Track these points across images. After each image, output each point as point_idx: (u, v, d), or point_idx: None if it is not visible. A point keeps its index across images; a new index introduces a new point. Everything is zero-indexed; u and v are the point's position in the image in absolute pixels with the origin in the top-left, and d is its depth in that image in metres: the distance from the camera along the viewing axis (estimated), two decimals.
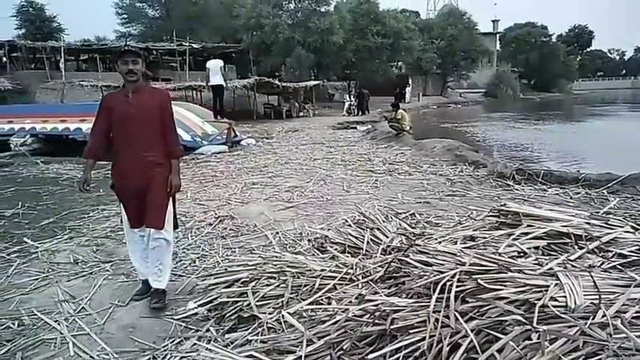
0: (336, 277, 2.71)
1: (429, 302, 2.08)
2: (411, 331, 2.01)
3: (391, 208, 4.70)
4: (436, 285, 2.16)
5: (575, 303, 1.91)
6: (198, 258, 3.84)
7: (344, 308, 2.29)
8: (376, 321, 2.11)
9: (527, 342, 1.78)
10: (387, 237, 3.24)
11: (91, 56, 28.75)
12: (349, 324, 2.17)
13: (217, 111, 12.82)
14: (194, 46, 26.05)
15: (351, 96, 25.43)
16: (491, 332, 1.88)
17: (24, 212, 5.37)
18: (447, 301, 2.03)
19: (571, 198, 5.29)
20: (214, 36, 31.60)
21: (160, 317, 2.89)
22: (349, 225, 3.81)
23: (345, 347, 2.09)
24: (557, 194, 5.49)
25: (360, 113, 23.73)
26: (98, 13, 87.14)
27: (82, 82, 18.77)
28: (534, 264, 2.28)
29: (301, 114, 23.19)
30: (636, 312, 1.88)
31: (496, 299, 1.99)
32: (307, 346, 2.13)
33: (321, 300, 2.53)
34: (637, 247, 2.45)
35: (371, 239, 3.31)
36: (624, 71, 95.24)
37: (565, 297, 1.95)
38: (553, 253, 2.50)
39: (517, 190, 5.82)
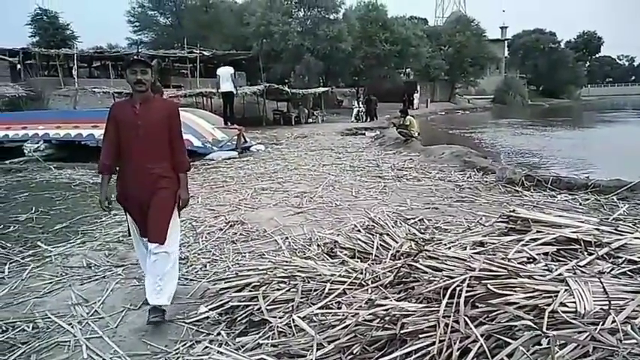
0: (345, 282, 2.72)
1: (438, 307, 2.09)
2: (420, 336, 2.02)
3: (400, 214, 4.70)
4: (446, 290, 2.17)
5: (584, 309, 1.91)
6: (209, 262, 3.88)
7: (354, 313, 2.30)
8: (386, 325, 2.13)
9: (537, 347, 1.79)
10: (397, 242, 3.25)
11: (104, 63, 29.04)
12: (359, 328, 2.18)
13: (227, 117, 12.93)
14: (205, 53, 26.23)
15: (360, 102, 25.50)
16: (501, 337, 1.89)
17: (37, 217, 5.45)
18: (457, 306, 2.04)
19: (580, 204, 5.26)
20: (225, 43, 31.85)
21: (171, 321, 2.92)
22: (358, 230, 3.84)
23: (355, 351, 2.10)
24: (566, 200, 5.46)
25: (369, 119, 23.83)
26: (110, 21, 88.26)
27: (94, 89, 18.92)
28: (544, 270, 2.29)
29: (310, 120, 23.32)
30: None
31: (506, 304, 2.00)
32: (317, 350, 2.15)
33: (331, 304, 2.54)
34: None
35: (380, 244, 3.32)
36: (633, 77, 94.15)
37: (575, 303, 1.95)
38: (562, 259, 2.50)
39: (526, 196, 5.80)
